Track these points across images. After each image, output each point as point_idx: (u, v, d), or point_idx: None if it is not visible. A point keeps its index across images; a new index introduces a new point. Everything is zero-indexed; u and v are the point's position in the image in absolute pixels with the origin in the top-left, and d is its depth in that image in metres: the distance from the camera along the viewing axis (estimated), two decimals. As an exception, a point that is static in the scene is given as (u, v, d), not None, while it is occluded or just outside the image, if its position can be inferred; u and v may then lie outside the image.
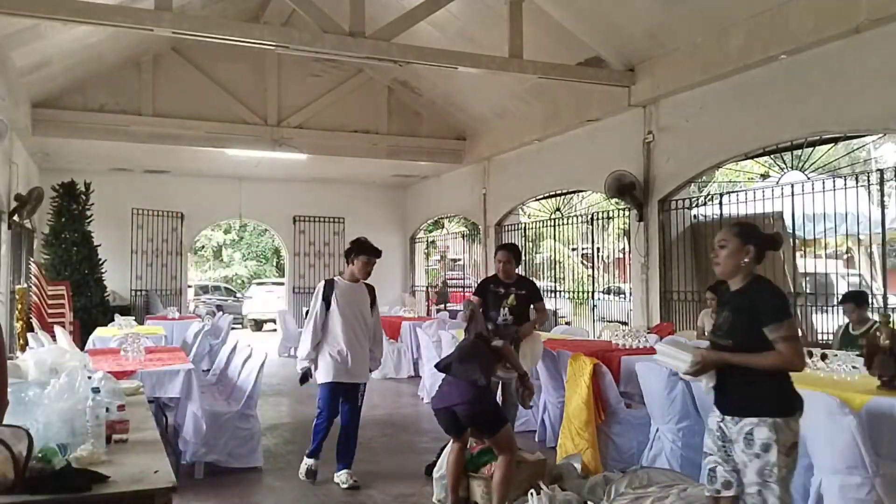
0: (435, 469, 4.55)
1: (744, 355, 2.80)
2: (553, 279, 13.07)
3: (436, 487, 4.45)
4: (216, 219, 16.13)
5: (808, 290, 7.40)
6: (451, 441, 4.08)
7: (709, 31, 7.18)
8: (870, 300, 6.18)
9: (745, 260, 2.88)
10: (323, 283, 5.02)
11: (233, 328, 11.83)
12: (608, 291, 14.35)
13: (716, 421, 2.92)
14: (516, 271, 5.47)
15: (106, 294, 11.85)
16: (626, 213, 9.04)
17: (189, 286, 17.36)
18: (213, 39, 7.14)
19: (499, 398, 5.14)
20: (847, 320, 5.88)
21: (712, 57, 7.20)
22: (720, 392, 2.91)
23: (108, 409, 2.71)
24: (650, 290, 8.57)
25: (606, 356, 5.38)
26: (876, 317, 6.21)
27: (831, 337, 6.40)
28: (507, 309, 5.25)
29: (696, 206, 8.50)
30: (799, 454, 2.81)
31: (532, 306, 5.39)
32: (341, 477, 4.82)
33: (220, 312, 13.81)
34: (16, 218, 9.81)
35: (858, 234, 7.43)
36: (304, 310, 13.89)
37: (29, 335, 7.67)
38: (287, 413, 7.63)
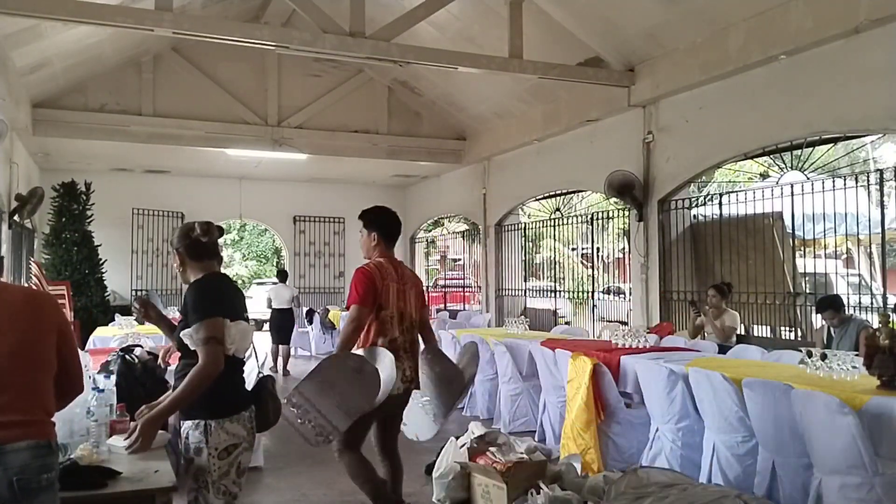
0: (435, 469, 4.56)
1: (175, 393, 2.57)
2: (553, 279, 13.07)
3: (436, 487, 4.45)
4: (216, 219, 15.81)
5: (807, 290, 7.40)
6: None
7: (708, 31, 7.18)
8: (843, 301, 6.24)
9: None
10: None
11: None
12: (608, 291, 14.35)
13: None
14: None
15: (106, 294, 11.86)
16: (626, 213, 9.05)
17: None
18: (213, 40, 7.14)
19: None
20: (826, 324, 6.02)
21: (712, 57, 7.20)
22: None
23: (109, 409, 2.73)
24: (650, 290, 8.57)
25: (606, 356, 5.38)
26: (871, 317, 6.26)
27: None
28: None
29: (696, 206, 8.50)
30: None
31: None
32: None
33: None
34: (16, 218, 9.81)
35: (858, 234, 7.44)
36: (305, 310, 13.89)
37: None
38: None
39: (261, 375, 2.85)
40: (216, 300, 2.62)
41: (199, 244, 2.73)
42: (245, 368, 2.85)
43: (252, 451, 2.74)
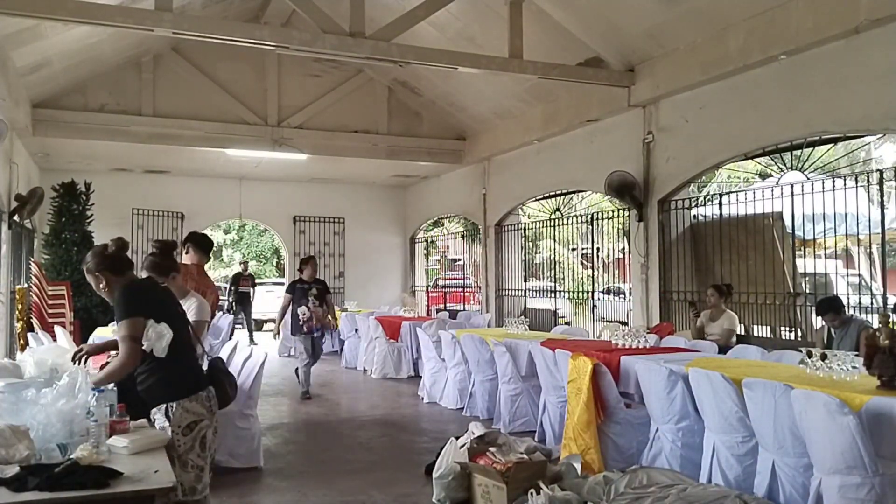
0: (435, 469, 4.56)
1: (100, 374, 2.84)
2: (553, 279, 13.07)
3: (436, 487, 4.45)
4: (216, 219, 16.13)
5: (807, 291, 7.40)
6: None
7: (708, 31, 7.18)
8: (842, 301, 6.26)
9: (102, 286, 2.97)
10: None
11: (236, 327, 11.89)
12: (608, 291, 14.36)
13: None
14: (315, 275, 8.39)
15: (106, 294, 11.84)
16: (626, 213, 9.05)
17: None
18: (213, 40, 7.14)
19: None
20: (826, 325, 6.02)
21: (712, 57, 7.21)
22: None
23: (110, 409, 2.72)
24: (650, 291, 8.57)
25: (606, 356, 5.38)
26: (870, 317, 6.26)
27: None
28: (313, 298, 8.17)
29: (696, 206, 8.50)
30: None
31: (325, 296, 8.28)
32: None
33: (221, 312, 13.81)
34: (16, 218, 9.80)
35: (858, 234, 7.43)
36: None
37: (29, 335, 7.68)
38: (287, 413, 7.63)
39: (209, 359, 3.13)
40: (138, 301, 2.86)
41: (119, 259, 2.92)
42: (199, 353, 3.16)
43: (214, 428, 2.97)
